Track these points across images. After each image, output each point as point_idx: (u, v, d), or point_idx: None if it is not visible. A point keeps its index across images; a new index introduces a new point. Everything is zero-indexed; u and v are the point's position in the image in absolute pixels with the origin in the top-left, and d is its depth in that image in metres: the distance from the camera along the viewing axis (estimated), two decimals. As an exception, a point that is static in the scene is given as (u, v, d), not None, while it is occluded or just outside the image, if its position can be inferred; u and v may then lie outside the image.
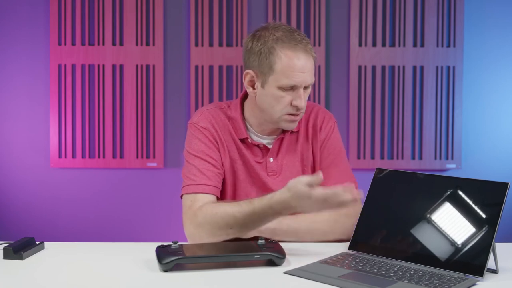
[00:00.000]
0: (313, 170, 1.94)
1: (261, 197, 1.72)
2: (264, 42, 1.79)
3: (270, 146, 1.90)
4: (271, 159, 1.90)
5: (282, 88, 1.78)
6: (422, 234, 1.58)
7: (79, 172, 3.77)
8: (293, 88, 1.78)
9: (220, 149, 1.88)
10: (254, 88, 1.84)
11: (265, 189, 1.88)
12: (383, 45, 3.74)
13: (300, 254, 1.67)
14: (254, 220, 1.71)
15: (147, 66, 3.74)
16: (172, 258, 1.50)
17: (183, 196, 1.83)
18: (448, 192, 1.59)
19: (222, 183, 1.89)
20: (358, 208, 1.74)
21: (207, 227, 1.73)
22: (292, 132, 1.92)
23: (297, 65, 1.76)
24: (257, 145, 1.90)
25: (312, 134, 1.94)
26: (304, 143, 1.94)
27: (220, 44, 3.73)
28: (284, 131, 1.92)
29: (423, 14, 3.74)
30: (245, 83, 1.85)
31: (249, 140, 1.88)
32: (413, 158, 3.76)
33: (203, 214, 1.75)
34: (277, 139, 1.91)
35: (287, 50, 1.77)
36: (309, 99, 1.91)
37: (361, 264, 1.56)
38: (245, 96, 1.94)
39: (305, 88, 1.81)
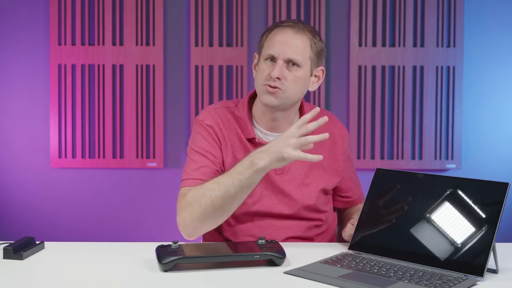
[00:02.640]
0: (327, 176, 1.95)
1: None
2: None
3: None
4: None
5: (266, 61, 1.83)
6: (422, 234, 1.58)
7: (79, 172, 3.78)
8: (273, 59, 1.82)
9: (223, 148, 1.88)
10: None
11: (272, 187, 1.88)
12: (383, 45, 3.74)
13: (300, 254, 1.67)
14: (236, 181, 1.68)
15: (147, 66, 3.74)
16: (172, 258, 1.50)
17: (180, 190, 1.84)
18: (448, 192, 1.59)
19: None
20: None
21: (195, 205, 1.72)
22: None
23: (278, 36, 1.83)
24: (265, 144, 1.89)
25: (331, 143, 1.96)
26: (317, 149, 1.93)
27: (220, 44, 3.73)
28: None
29: (423, 14, 3.74)
30: (253, 67, 1.92)
31: (257, 140, 1.88)
32: (413, 158, 3.76)
33: (191, 193, 1.75)
34: None
35: (278, 27, 1.86)
36: (309, 99, 1.91)
37: (361, 264, 1.56)
38: (254, 95, 1.94)
39: (290, 65, 1.82)
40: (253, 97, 1.94)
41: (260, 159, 1.67)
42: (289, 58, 1.81)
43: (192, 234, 1.77)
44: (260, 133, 1.90)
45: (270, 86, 1.81)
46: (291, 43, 1.81)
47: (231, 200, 1.71)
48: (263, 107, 1.87)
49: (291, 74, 1.81)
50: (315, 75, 1.90)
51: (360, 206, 2.00)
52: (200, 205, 1.71)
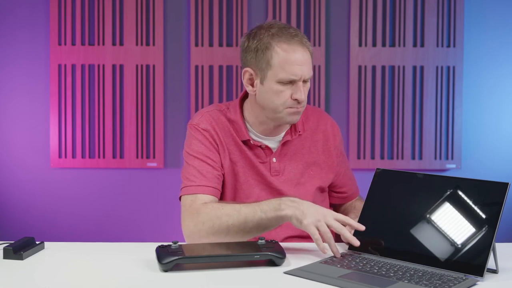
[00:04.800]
0: (322, 173, 1.95)
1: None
2: (260, 39, 1.81)
3: (274, 150, 1.90)
4: (274, 159, 1.89)
5: (281, 83, 1.78)
6: (422, 234, 1.58)
7: (79, 172, 3.78)
8: (292, 82, 1.78)
9: (220, 151, 1.87)
10: (253, 86, 1.84)
11: (270, 189, 1.88)
12: (383, 45, 3.74)
13: (300, 254, 1.67)
14: (256, 218, 1.69)
15: (147, 66, 3.74)
16: (172, 258, 1.50)
17: (182, 197, 1.82)
18: (448, 192, 1.59)
19: (222, 185, 1.88)
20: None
21: (208, 225, 1.72)
22: (298, 135, 1.91)
23: (293, 58, 1.77)
24: (259, 146, 1.89)
25: (323, 140, 1.96)
26: (311, 147, 1.94)
27: (220, 44, 3.73)
28: (286, 133, 1.91)
29: (423, 14, 3.74)
30: (244, 81, 1.85)
31: (251, 142, 1.88)
32: (413, 158, 3.76)
33: (207, 210, 1.73)
34: (281, 143, 1.90)
35: (283, 44, 1.78)
36: (309, 99, 1.91)
37: (361, 264, 1.56)
38: (244, 96, 1.93)
39: (304, 81, 1.81)
40: (243, 99, 1.93)
41: (287, 206, 1.67)
42: (307, 77, 1.80)
43: (194, 242, 1.76)
44: (255, 136, 1.90)
45: (295, 108, 1.80)
46: (305, 62, 1.78)
47: (245, 232, 1.72)
48: (264, 118, 1.86)
49: (306, 89, 1.82)
50: None
51: (355, 204, 2.02)
52: (213, 226, 1.71)
